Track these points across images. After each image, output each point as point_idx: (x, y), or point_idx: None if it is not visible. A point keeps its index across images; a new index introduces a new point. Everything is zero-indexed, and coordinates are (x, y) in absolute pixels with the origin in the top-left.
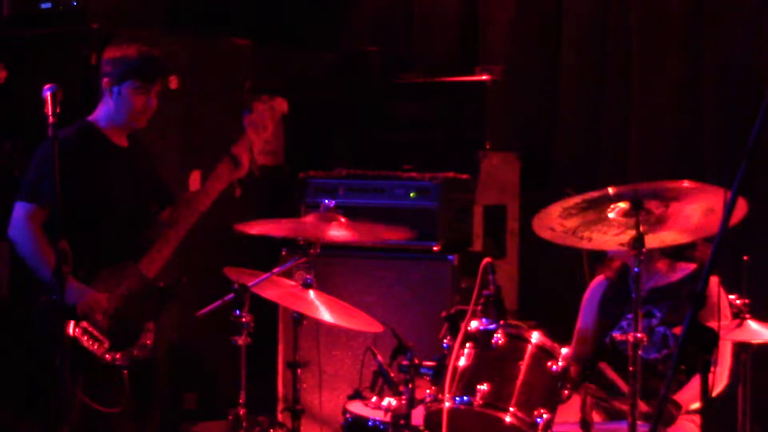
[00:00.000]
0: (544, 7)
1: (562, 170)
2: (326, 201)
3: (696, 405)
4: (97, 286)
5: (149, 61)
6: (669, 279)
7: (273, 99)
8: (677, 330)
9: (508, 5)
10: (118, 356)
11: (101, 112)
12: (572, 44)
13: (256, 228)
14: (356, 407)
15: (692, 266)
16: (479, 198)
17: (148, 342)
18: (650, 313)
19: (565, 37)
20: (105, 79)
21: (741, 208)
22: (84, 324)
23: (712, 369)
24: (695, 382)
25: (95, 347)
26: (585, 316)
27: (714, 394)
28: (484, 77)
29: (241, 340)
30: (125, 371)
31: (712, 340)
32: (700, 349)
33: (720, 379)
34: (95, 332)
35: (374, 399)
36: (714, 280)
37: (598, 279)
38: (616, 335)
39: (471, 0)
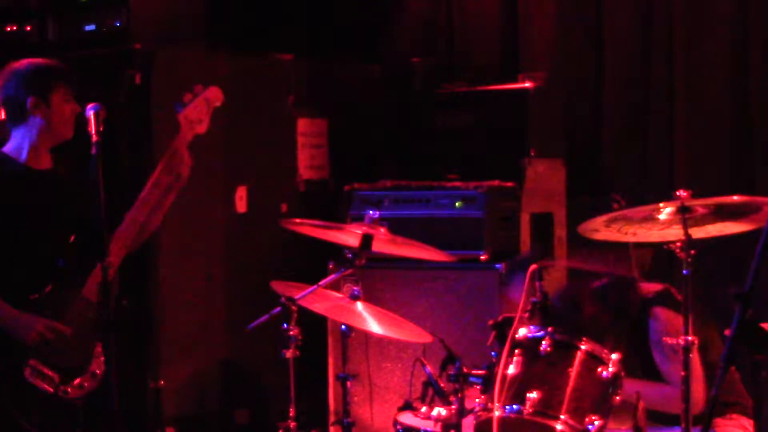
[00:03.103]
0: (586, 11)
1: (608, 176)
2: (371, 212)
3: None
4: (41, 314)
5: (66, 67)
6: None
7: (206, 89)
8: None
9: (549, 11)
10: (69, 390)
11: (18, 138)
12: (615, 48)
13: (304, 229)
14: (407, 418)
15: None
16: (525, 206)
17: (98, 371)
18: None
19: (608, 41)
20: (29, 99)
21: None
22: (32, 362)
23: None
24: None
25: (46, 385)
26: None
27: None
28: (526, 84)
29: (289, 354)
30: (78, 405)
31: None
32: (750, 348)
33: None
34: (44, 369)
35: (424, 409)
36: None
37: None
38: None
39: (511, 7)
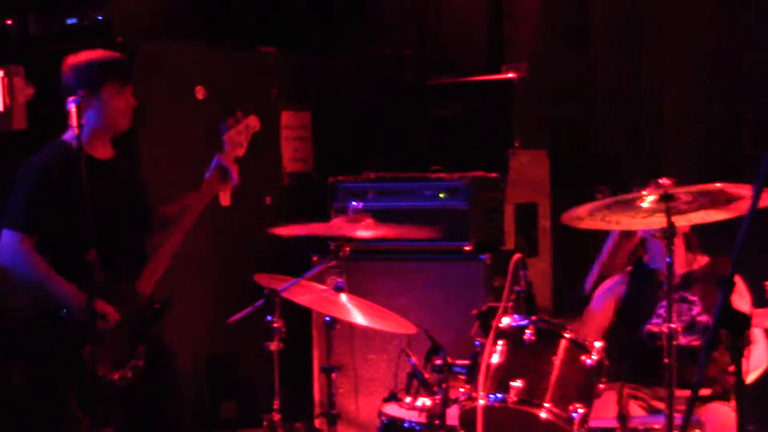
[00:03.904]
0: (571, 1)
1: (592, 166)
2: (354, 203)
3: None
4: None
5: (120, 61)
6: (692, 267)
7: (247, 117)
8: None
9: (533, 2)
10: (116, 377)
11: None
12: (601, 39)
13: (287, 230)
14: (391, 409)
15: (707, 259)
16: (510, 197)
17: (140, 364)
18: (684, 299)
19: (594, 31)
20: (80, 91)
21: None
22: (88, 348)
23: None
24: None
25: (99, 368)
26: (596, 311)
27: (754, 376)
28: (510, 75)
29: (273, 346)
30: (118, 394)
31: (744, 323)
32: (732, 333)
33: (761, 359)
34: (97, 356)
35: (409, 400)
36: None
37: (615, 277)
38: (651, 327)
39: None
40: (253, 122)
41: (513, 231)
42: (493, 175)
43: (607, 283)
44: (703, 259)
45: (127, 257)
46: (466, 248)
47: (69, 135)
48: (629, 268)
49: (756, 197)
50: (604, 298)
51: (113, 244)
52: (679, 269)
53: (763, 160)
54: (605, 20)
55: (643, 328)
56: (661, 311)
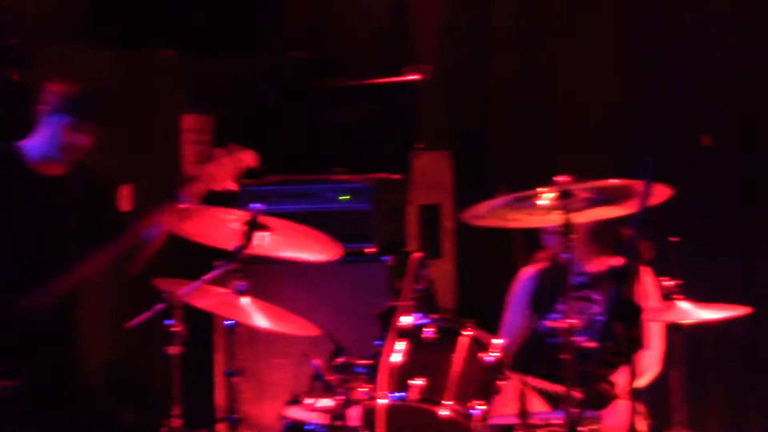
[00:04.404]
0: (473, 3)
1: (494, 167)
2: (253, 205)
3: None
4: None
5: (86, 100)
6: (605, 265)
7: (241, 150)
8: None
9: (435, 4)
10: None
11: (34, 139)
12: (501, 42)
13: (183, 234)
14: (293, 412)
15: (622, 259)
16: (413, 198)
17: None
18: (588, 297)
19: (495, 34)
20: (41, 107)
21: (664, 190)
22: None
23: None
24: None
25: None
26: (512, 311)
27: (646, 379)
28: (413, 77)
29: (173, 350)
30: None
31: (636, 314)
32: (625, 324)
33: (652, 363)
34: None
35: (310, 401)
36: (647, 270)
37: (526, 272)
38: (548, 322)
39: (398, 1)
40: (246, 157)
41: (416, 232)
42: (396, 176)
43: (522, 277)
44: (619, 260)
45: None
46: (369, 250)
47: (25, 141)
48: (545, 263)
49: (645, 194)
50: (519, 291)
51: (48, 259)
52: (590, 268)
53: (643, 157)
54: (504, 20)
55: (541, 323)
56: (558, 310)
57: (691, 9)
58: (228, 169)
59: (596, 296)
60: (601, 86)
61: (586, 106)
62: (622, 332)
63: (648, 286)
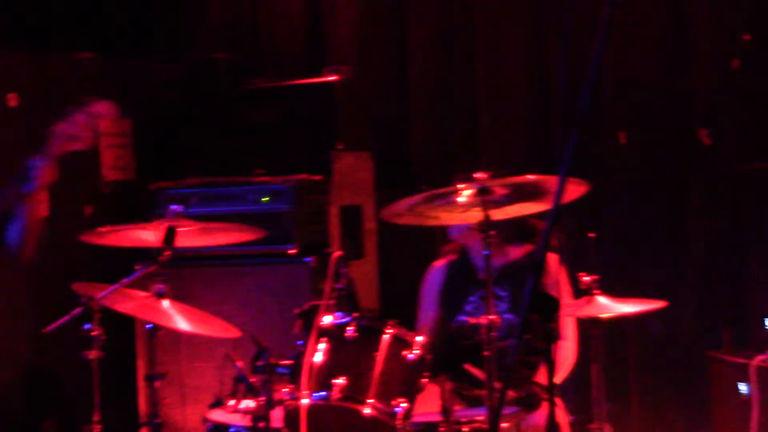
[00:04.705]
0: (389, 4)
1: (416, 167)
2: (173, 207)
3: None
4: None
5: None
6: (508, 258)
7: (93, 102)
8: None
9: (353, 4)
10: None
11: None
12: (419, 40)
13: (101, 239)
14: (216, 415)
15: (528, 246)
16: (334, 199)
17: None
18: (495, 294)
19: (412, 33)
20: None
21: (580, 186)
22: None
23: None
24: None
25: None
26: (425, 304)
27: (563, 372)
28: (332, 78)
29: (92, 355)
30: None
31: (553, 306)
32: (542, 316)
33: (568, 355)
34: None
35: (233, 404)
36: (554, 258)
37: (437, 264)
38: (469, 319)
39: (315, 2)
40: (101, 109)
41: (338, 233)
42: (317, 177)
43: (431, 270)
44: (520, 250)
45: None
46: (291, 251)
47: None
48: (451, 257)
49: (560, 190)
50: (429, 285)
51: None
52: (495, 262)
53: (560, 153)
54: (423, 20)
55: (451, 323)
56: (468, 307)
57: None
58: (83, 125)
59: (502, 292)
60: (521, 85)
61: (507, 104)
62: (540, 326)
63: (558, 275)
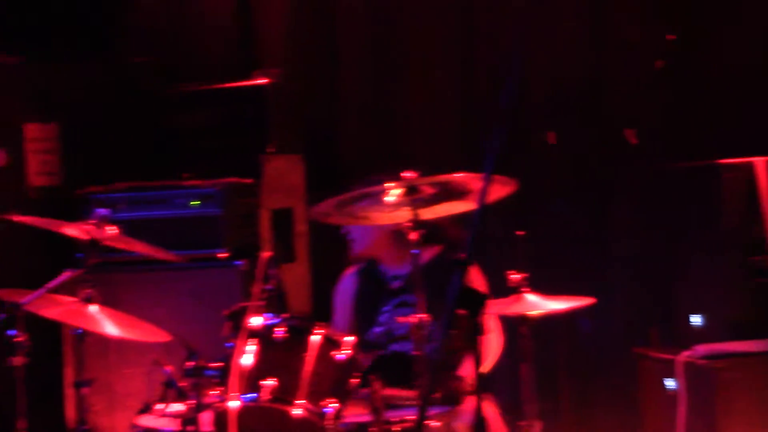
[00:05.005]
0: (319, 6)
1: (347, 169)
2: (98, 210)
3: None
4: None
5: None
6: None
7: None
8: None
9: (282, 7)
10: None
11: None
12: (349, 43)
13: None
14: (145, 420)
15: (437, 248)
16: (265, 202)
17: None
18: (405, 303)
19: (342, 36)
20: None
21: (508, 184)
22: None
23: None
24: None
25: None
26: (337, 314)
27: (489, 363)
28: (262, 81)
29: (17, 362)
30: None
31: (480, 301)
32: (469, 312)
33: (492, 346)
34: None
35: (161, 408)
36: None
37: (348, 272)
38: (400, 318)
39: (244, 3)
40: None
41: (269, 236)
42: (248, 181)
43: (344, 277)
44: (428, 252)
45: None
46: (221, 255)
47: None
48: (358, 265)
49: (484, 189)
50: (341, 292)
51: None
52: (402, 269)
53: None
54: (352, 22)
55: (368, 336)
56: (382, 318)
57: (539, 10)
58: None
59: (413, 299)
60: (451, 85)
61: (437, 105)
62: (465, 321)
63: (472, 275)
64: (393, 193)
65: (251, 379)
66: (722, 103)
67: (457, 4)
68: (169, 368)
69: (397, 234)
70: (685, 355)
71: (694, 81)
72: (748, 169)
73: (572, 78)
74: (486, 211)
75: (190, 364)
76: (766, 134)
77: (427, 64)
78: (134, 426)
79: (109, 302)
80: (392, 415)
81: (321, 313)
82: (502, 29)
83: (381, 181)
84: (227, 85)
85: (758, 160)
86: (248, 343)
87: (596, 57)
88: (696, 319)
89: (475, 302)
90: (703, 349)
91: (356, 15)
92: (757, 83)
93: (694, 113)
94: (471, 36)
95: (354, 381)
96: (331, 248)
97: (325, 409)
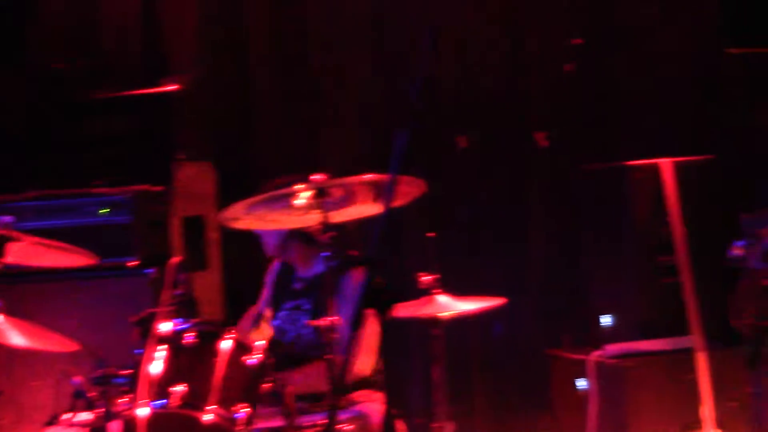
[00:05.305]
0: (228, 12)
1: (259, 175)
2: (2, 218)
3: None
4: None
5: None
6: (314, 270)
7: None
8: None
9: (191, 14)
10: None
11: None
12: (260, 49)
13: None
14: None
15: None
16: (177, 210)
17: None
18: (299, 307)
19: (253, 43)
20: None
21: (418, 186)
22: None
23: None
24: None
25: None
26: (261, 295)
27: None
28: (172, 88)
29: None
30: None
31: (391, 298)
32: (378, 311)
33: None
34: None
35: (68, 417)
36: (358, 270)
37: (275, 263)
38: (312, 322)
39: (153, 11)
40: None
41: (181, 244)
42: (158, 188)
43: (271, 267)
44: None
45: None
46: (131, 264)
47: None
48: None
49: (389, 191)
50: (266, 279)
51: None
52: (308, 272)
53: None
54: (262, 29)
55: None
56: (280, 314)
57: (451, 13)
58: None
59: (307, 305)
60: (360, 89)
61: (349, 110)
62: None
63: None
64: (302, 196)
65: (161, 386)
66: (630, 106)
67: (368, 7)
68: (78, 378)
69: (305, 236)
70: (595, 355)
71: (603, 85)
72: (655, 171)
73: (484, 81)
74: (396, 212)
75: (98, 372)
76: (672, 136)
77: (339, 68)
78: None
79: (14, 312)
80: (305, 420)
81: (234, 321)
82: (415, 32)
83: (290, 184)
84: (137, 92)
85: (664, 162)
86: (157, 349)
87: (507, 61)
88: (606, 320)
89: (383, 301)
90: (613, 348)
91: (266, 21)
92: (664, 87)
93: (603, 116)
94: (383, 38)
95: (266, 386)
96: (243, 255)
97: (236, 415)
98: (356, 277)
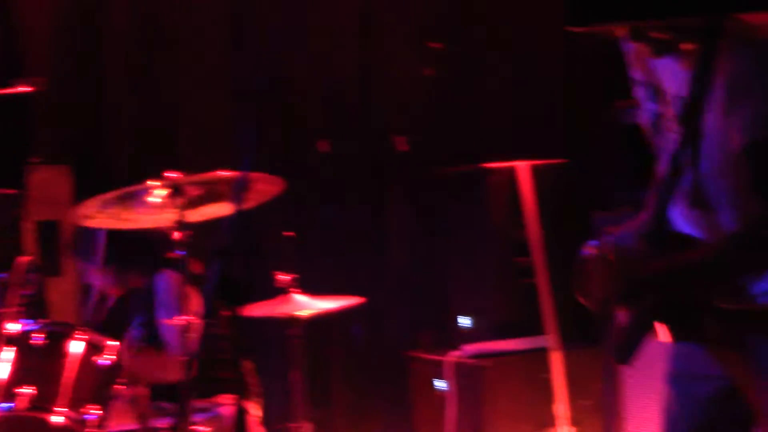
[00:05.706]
0: (83, 14)
1: (116, 179)
2: None
3: None
4: None
5: None
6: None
7: None
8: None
9: (46, 15)
10: None
11: None
12: (115, 50)
13: None
14: None
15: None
16: (30, 214)
17: None
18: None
19: (108, 44)
20: None
21: (275, 184)
22: None
23: None
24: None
25: None
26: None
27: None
28: (25, 89)
29: None
30: None
31: (242, 295)
32: (228, 303)
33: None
34: None
35: None
36: (174, 276)
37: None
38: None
39: (7, 12)
40: None
41: (35, 249)
42: (11, 191)
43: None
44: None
45: None
46: None
47: None
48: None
49: (239, 191)
50: None
51: None
52: (113, 291)
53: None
54: (117, 29)
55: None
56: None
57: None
58: None
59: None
60: (219, 87)
61: (208, 110)
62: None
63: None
64: (157, 193)
65: (8, 388)
66: (487, 109)
67: (226, 10)
68: None
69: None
70: (453, 356)
71: (460, 89)
72: (511, 174)
73: (343, 84)
74: (253, 211)
75: None
76: (527, 139)
77: (197, 68)
78: None
79: None
80: (159, 422)
81: (91, 325)
82: (270, 31)
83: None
84: None
85: (520, 165)
86: (4, 350)
87: (366, 64)
88: (465, 321)
89: (236, 294)
90: (470, 348)
91: (121, 20)
92: (520, 91)
93: (461, 120)
94: (239, 40)
95: (118, 387)
96: None
97: (86, 416)
98: (170, 279)
